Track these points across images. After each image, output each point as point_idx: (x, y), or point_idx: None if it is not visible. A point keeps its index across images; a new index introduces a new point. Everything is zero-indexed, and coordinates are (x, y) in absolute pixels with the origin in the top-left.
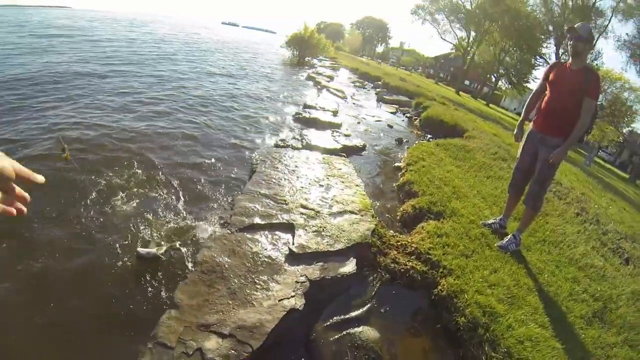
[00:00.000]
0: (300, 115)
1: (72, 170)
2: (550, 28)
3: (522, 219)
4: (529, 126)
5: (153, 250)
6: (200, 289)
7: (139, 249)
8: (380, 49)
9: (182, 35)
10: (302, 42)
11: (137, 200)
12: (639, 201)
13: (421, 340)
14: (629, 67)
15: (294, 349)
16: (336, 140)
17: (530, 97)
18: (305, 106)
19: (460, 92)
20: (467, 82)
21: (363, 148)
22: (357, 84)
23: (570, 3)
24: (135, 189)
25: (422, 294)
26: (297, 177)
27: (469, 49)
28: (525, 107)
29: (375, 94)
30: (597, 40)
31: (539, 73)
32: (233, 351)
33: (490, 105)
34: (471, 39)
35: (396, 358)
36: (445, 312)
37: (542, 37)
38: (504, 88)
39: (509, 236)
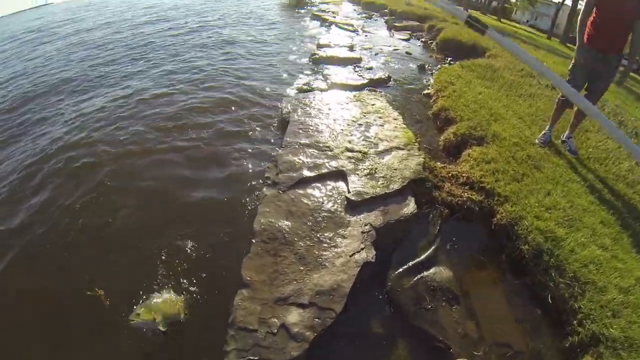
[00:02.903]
0: (317, 55)
1: None
2: None
3: (573, 123)
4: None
5: None
6: (266, 260)
7: None
8: None
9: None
10: None
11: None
12: None
13: (488, 272)
14: None
15: (373, 301)
16: (360, 75)
17: (582, 15)
18: (319, 45)
19: (469, 10)
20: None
21: (388, 79)
22: (364, 14)
23: None
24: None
25: (481, 225)
26: (334, 119)
27: None
28: (579, 27)
29: (385, 22)
30: None
31: None
32: (317, 320)
33: (502, 20)
34: None
35: (468, 294)
36: (507, 241)
37: None
38: (514, 0)
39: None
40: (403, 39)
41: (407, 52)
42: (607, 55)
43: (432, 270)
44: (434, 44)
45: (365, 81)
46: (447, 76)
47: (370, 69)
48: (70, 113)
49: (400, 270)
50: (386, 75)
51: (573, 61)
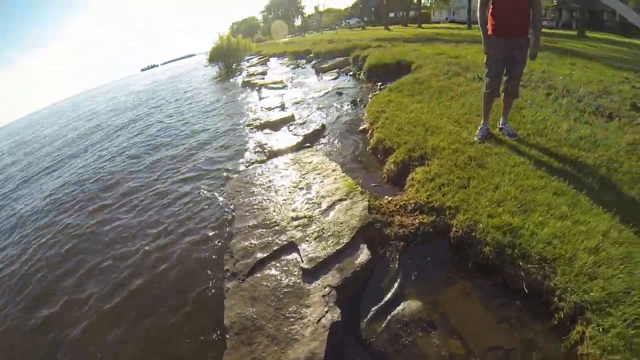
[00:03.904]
0: (252, 125)
1: None
2: None
3: (505, 109)
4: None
5: None
6: (242, 351)
7: None
8: (298, 22)
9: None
10: (223, 53)
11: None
12: (594, 53)
13: (459, 285)
14: None
15: (352, 355)
16: (295, 134)
17: (480, 10)
18: (253, 112)
19: (390, 27)
20: (392, 15)
21: (323, 128)
22: (291, 66)
23: None
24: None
25: (440, 244)
26: (276, 191)
27: None
28: (481, 21)
29: (312, 66)
30: None
31: None
32: None
33: (423, 25)
34: None
35: (446, 315)
36: (469, 249)
37: None
38: (429, 4)
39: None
40: (332, 79)
41: (338, 92)
42: (515, 39)
43: (400, 306)
44: (361, 74)
45: (301, 139)
46: (377, 106)
47: (304, 123)
48: None
49: (370, 316)
50: (320, 125)
51: (485, 55)
